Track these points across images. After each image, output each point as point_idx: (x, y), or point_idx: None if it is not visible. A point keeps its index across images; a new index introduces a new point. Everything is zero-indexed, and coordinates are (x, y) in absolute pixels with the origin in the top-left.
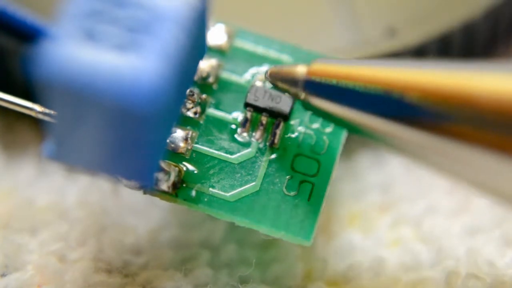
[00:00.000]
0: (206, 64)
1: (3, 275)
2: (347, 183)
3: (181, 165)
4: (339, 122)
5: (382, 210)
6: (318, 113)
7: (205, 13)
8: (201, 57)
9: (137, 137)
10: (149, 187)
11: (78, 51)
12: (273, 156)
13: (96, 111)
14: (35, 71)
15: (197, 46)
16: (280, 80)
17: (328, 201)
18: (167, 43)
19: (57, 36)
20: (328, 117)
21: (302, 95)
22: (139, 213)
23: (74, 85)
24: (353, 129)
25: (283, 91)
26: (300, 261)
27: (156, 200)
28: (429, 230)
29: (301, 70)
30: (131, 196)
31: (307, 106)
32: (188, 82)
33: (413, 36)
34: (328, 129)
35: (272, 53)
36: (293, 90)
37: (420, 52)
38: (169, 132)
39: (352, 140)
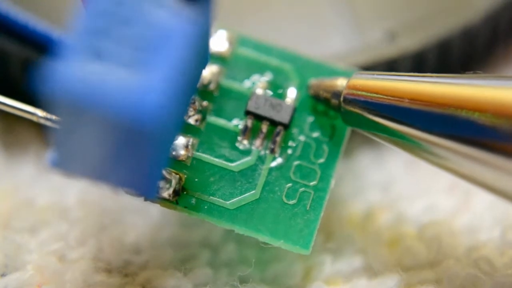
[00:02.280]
0: (207, 71)
1: (3, 275)
2: (348, 183)
3: (182, 173)
4: (375, 133)
5: (382, 209)
6: (357, 125)
7: (208, 28)
8: (204, 67)
9: (141, 152)
10: (151, 198)
11: (85, 68)
12: (273, 164)
13: (102, 127)
14: (43, 87)
15: (201, 57)
16: (322, 92)
17: (328, 200)
18: (173, 61)
19: (65, 53)
20: (365, 127)
21: (344, 107)
22: (139, 213)
23: (80, 102)
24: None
25: (323, 103)
26: (300, 260)
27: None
28: (429, 229)
29: (341, 83)
30: (131, 196)
31: (346, 119)
32: (192, 93)
33: (412, 40)
34: (326, 139)
35: (273, 61)
36: (334, 101)
37: (419, 56)
38: (171, 145)
39: (352, 139)
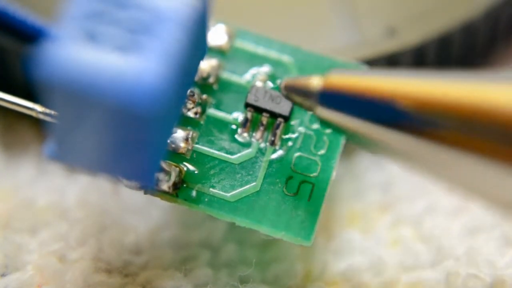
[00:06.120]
0: (206, 64)
1: (3, 275)
2: (347, 183)
3: (182, 165)
4: (351, 134)
5: (382, 210)
6: (332, 125)
7: (205, 14)
8: (201, 57)
9: (138, 138)
10: (150, 187)
11: (80, 52)
12: (274, 156)
13: (97, 112)
14: (36, 72)
15: (198, 46)
16: (294, 93)
17: (328, 201)
18: (168, 44)
19: (59, 37)
20: (340, 129)
21: (317, 108)
22: (139, 213)
23: (75, 86)
24: (364, 142)
25: (298, 104)
26: (300, 261)
27: (156, 200)
28: (429, 229)
29: (316, 82)
30: (131, 196)
31: (321, 119)
32: (189, 83)
33: (413, 36)
34: (328, 130)
35: (273, 54)
36: (307, 103)
37: (420, 51)
38: (170, 133)
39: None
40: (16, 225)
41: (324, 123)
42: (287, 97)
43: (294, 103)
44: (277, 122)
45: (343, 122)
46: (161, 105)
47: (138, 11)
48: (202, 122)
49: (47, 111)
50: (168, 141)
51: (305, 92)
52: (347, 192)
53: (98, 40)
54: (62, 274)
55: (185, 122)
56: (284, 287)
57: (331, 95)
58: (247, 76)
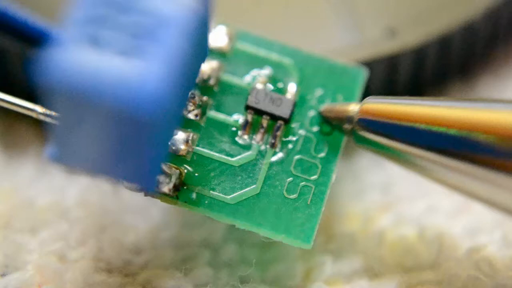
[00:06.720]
0: (207, 66)
1: (3, 275)
2: (347, 183)
3: (182, 168)
4: (389, 155)
5: (382, 210)
6: (370, 147)
7: (207, 18)
8: (203, 60)
9: (139, 141)
10: (151, 190)
11: (83, 56)
12: (274, 158)
13: (99, 116)
14: (39, 75)
15: (199, 50)
16: (334, 117)
17: (328, 201)
18: (171, 49)
19: (62, 41)
20: (379, 150)
21: (357, 131)
22: (139, 213)
23: (78, 91)
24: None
25: (337, 127)
26: (300, 261)
27: (157, 200)
28: (430, 230)
29: (354, 108)
30: (131, 196)
31: (360, 140)
32: (190, 85)
33: (413, 37)
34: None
35: (273, 56)
36: (347, 126)
37: (420, 52)
38: (171, 136)
39: (352, 141)
40: (16, 225)
41: (361, 140)
42: (327, 120)
43: (332, 126)
44: (278, 124)
45: (379, 142)
46: (163, 109)
47: (140, 16)
48: (202, 124)
49: (48, 112)
50: (169, 143)
51: (345, 117)
52: (347, 192)
53: (101, 44)
54: (62, 274)
55: (185, 124)
56: (284, 287)
57: (368, 120)
58: (248, 78)
